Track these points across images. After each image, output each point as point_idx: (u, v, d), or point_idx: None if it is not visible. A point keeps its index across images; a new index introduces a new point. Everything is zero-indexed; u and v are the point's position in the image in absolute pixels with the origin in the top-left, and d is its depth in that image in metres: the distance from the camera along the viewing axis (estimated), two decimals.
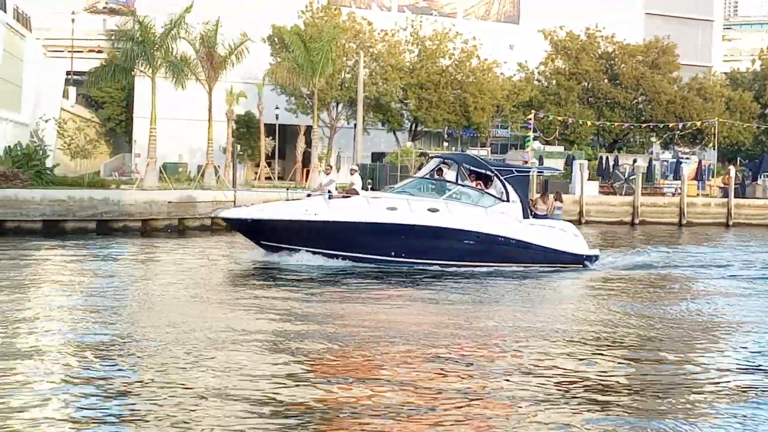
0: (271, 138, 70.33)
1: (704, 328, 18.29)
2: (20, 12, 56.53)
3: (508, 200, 28.56)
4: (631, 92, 77.62)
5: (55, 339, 15.54)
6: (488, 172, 29.28)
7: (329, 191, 29.99)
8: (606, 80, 78.69)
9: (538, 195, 32.32)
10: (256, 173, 68.50)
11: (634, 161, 64.80)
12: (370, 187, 57.22)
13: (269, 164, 71.44)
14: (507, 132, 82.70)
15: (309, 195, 30.90)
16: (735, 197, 59.87)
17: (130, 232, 38.43)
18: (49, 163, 50.75)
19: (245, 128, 74.60)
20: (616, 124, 75.87)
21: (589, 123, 74.28)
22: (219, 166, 60.88)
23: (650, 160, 68.04)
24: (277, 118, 70.05)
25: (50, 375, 12.90)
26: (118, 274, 25.32)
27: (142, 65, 54.30)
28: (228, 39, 57.23)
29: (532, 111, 69.77)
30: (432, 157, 36.32)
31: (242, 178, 63.99)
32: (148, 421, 10.80)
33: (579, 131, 74.98)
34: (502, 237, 28.23)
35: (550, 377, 13.39)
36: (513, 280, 26.00)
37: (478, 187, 29.02)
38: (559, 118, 72.29)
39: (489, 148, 75.16)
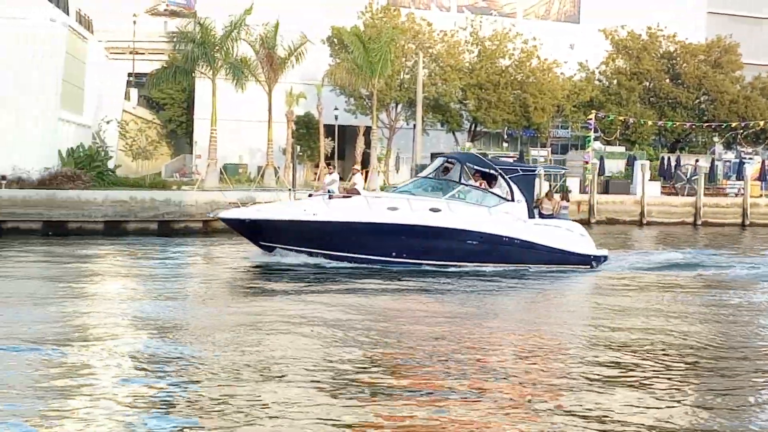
0: (330, 139, 70.35)
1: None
2: (82, 14, 57.13)
3: (512, 200, 28.18)
4: (693, 92, 76.57)
5: (123, 340, 15.60)
6: (493, 172, 28.81)
7: (329, 191, 29.81)
8: (668, 80, 77.70)
9: (544, 194, 31.50)
10: (316, 174, 68.57)
11: (697, 161, 63.87)
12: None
13: (328, 165, 71.38)
14: (567, 132, 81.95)
15: (310, 195, 30.64)
16: None
17: (191, 232, 38.66)
18: (111, 164, 51.31)
19: (305, 129, 74.74)
20: (677, 124, 74.89)
21: (650, 123, 73.38)
22: (279, 167, 61.10)
23: (712, 161, 67.02)
24: (336, 119, 70.09)
25: (121, 372, 12.95)
26: (180, 273, 25.42)
27: (202, 67, 54.69)
28: (287, 40, 57.43)
29: (593, 111, 69.02)
30: (436, 156, 35.98)
31: (302, 179, 64.09)
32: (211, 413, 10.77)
33: (640, 131, 74.12)
34: (506, 237, 27.82)
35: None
36: (514, 281, 25.62)
37: (482, 186, 28.61)
38: (620, 118, 71.46)
39: (549, 149, 74.52)
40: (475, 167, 29.11)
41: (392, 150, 72.21)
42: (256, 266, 27.41)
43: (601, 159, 62.16)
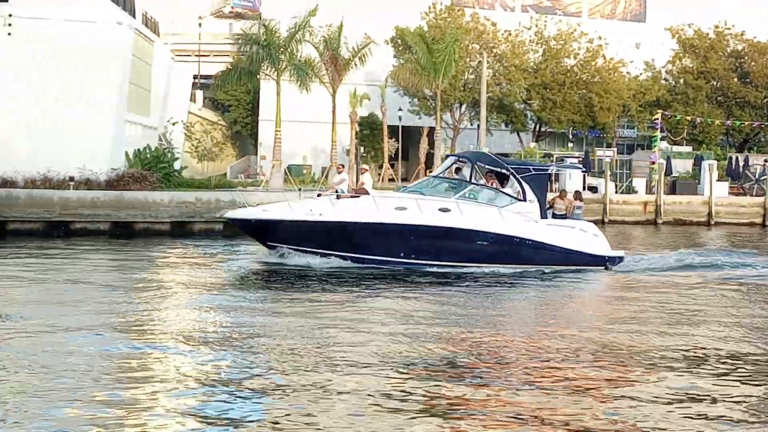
0: (394, 139, 70.40)
1: None
2: (149, 17, 57.70)
3: (524, 200, 27.58)
4: (762, 91, 75.32)
5: (188, 342, 15.68)
6: (504, 171, 28.28)
7: (337, 191, 29.52)
8: (736, 79, 76.54)
9: (556, 194, 30.79)
10: (380, 175, 68.63)
11: (765, 161, 62.80)
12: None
13: (392, 166, 71.52)
14: (633, 132, 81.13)
15: (319, 195, 30.24)
16: None
17: None
18: (177, 165, 51.72)
19: (368, 130, 74.84)
20: (746, 123, 73.74)
21: (717, 122, 72.37)
22: None
23: None
24: (400, 119, 70.09)
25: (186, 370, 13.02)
26: (246, 274, 25.52)
27: (267, 68, 54.94)
28: (351, 41, 57.52)
29: (659, 111, 68.20)
30: (447, 156, 35.47)
31: None
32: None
33: (708, 131, 73.16)
34: (517, 237, 27.24)
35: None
36: (520, 282, 25.22)
37: (493, 186, 28.17)
38: (687, 117, 70.54)
39: (615, 149, 73.82)
40: (487, 166, 28.63)
41: (456, 151, 71.98)
42: (291, 268, 26.78)
43: (668, 159, 61.38)
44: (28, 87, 43.62)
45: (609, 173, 56.97)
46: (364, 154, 72.44)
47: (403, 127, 71.51)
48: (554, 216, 28.44)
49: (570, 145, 78.90)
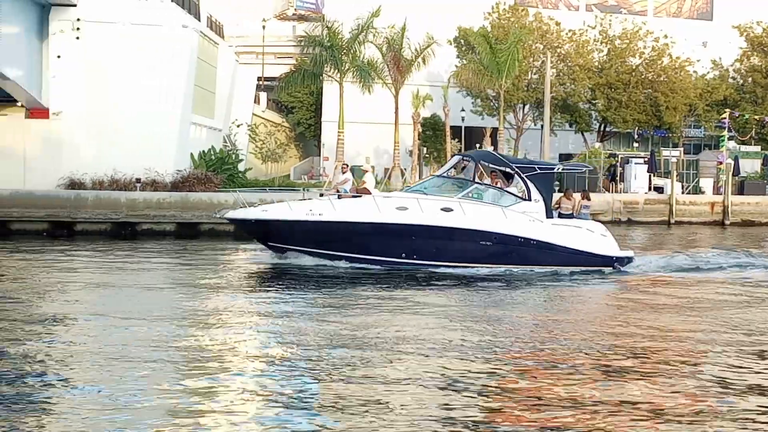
0: (456, 140, 70.21)
1: None
2: (213, 20, 58.14)
3: (529, 199, 27.19)
4: None
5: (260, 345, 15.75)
6: (509, 170, 27.90)
7: (338, 190, 29.25)
8: None
9: (562, 193, 30.19)
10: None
11: None
12: (557, 189, 56.72)
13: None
14: (700, 132, 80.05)
15: (321, 195, 29.97)
16: None
17: None
18: (241, 167, 52.08)
19: (431, 131, 74.73)
20: None
21: None
22: (405, 169, 61.20)
23: None
24: (462, 120, 69.88)
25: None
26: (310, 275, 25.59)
27: (330, 70, 55.11)
28: (414, 42, 57.48)
29: (727, 110, 67.19)
30: (453, 155, 34.99)
31: None
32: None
33: None
34: (521, 237, 26.86)
35: None
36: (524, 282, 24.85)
37: (498, 185, 27.81)
38: (756, 117, 69.39)
39: (681, 149, 72.84)
40: (491, 165, 28.35)
41: (519, 151, 71.60)
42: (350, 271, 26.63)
43: (736, 159, 60.39)
44: (96, 90, 44.20)
45: (675, 174, 56.25)
46: (427, 155, 72.35)
47: (465, 127, 71.29)
48: (560, 216, 28.02)
49: (635, 145, 77.98)
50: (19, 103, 44.02)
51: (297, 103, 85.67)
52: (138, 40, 44.33)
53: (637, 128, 73.92)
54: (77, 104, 44.07)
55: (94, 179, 41.87)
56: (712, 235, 47.00)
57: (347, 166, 32.96)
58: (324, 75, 57.36)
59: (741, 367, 14.22)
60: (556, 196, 29.57)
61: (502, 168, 28.21)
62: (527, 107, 71.22)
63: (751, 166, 63.31)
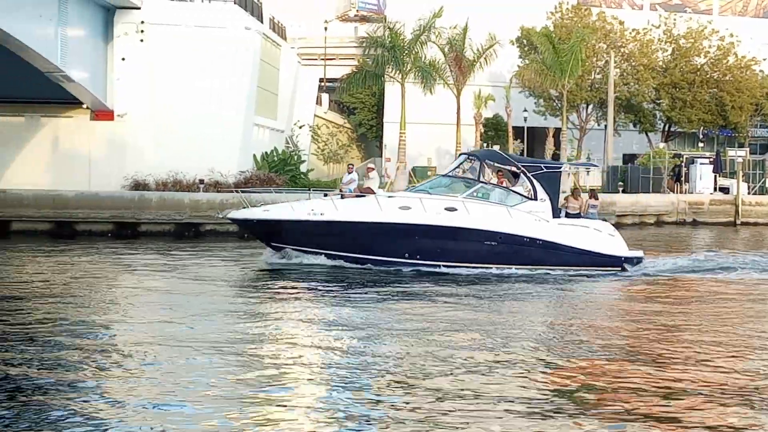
0: (519, 141, 69.80)
1: None
2: (276, 22, 58.43)
3: (535, 198, 26.81)
4: None
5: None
6: (514, 169, 27.55)
7: (342, 191, 29.01)
8: None
9: (569, 193, 29.67)
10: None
11: None
12: (621, 189, 56.26)
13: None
14: (767, 131, 78.80)
15: (326, 195, 29.76)
16: None
17: None
18: (303, 168, 52.29)
19: (493, 131, 74.32)
20: None
21: None
22: None
23: None
24: (525, 120, 69.44)
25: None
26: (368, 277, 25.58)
27: (392, 71, 55.08)
28: (476, 42, 57.24)
29: None
30: (460, 154, 34.61)
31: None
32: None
33: None
34: (527, 237, 26.50)
35: None
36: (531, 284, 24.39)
37: (503, 184, 27.46)
38: None
39: (747, 149, 71.78)
40: (496, 164, 28.07)
41: (583, 151, 71.03)
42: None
43: None
44: (159, 91, 44.63)
45: (741, 174, 55.43)
46: None
47: (528, 128, 70.84)
48: (567, 215, 27.64)
49: (700, 145, 76.96)
50: (84, 105, 44.60)
51: (359, 104, 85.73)
52: (201, 43, 44.71)
53: (702, 128, 72.92)
54: (141, 106, 44.55)
55: (158, 180, 42.29)
56: None
57: (352, 166, 33.11)
58: (386, 76, 57.35)
59: None
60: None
61: (508, 167, 28.06)
62: (590, 107, 70.56)
63: None
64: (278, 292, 22.17)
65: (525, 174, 27.34)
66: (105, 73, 44.55)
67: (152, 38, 44.44)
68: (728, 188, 56.77)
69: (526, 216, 26.73)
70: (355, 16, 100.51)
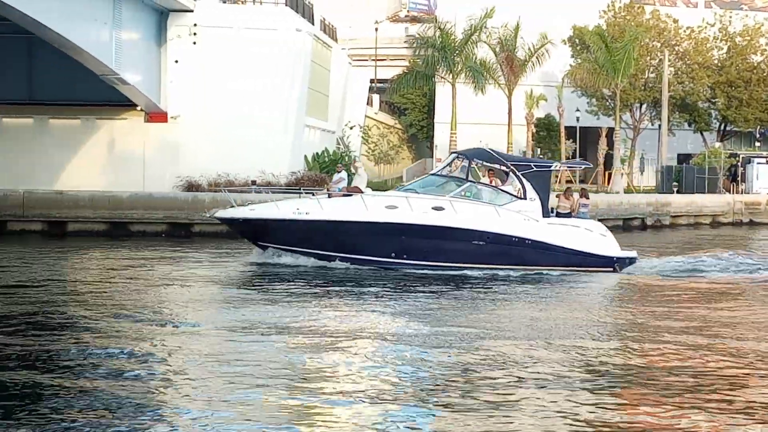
0: (571, 141, 69.32)
1: None
2: (327, 24, 58.60)
3: (525, 198, 26.41)
4: None
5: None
6: (504, 168, 27.21)
7: (328, 190, 28.76)
8: None
9: (561, 192, 29.10)
10: (557, 177, 67.67)
11: None
12: (675, 190, 55.66)
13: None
14: None
15: (313, 194, 29.36)
16: None
17: None
18: (354, 169, 52.25)
19: (545, 131, 73.90)
20: None
21: None
22: None
23: None
24: (577, 120, 68.94)
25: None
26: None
27: (442, 71, 54.99)
28: (527, 41, 56.96)
29: None
30: (451, 153, 34.26)
31: None
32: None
33: None
34: (516, 237, 26.10)
35: None
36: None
37: (492, 183, 27.10)
38: None
39: None
40: (485, 163, 27.75)
41: (636, 151, 70.43)
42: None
43: None
44: (212, 93, 44.93)
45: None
46: (541, 156, 71.59)
47: (580, 127, 70.34)
48: (558, 215, 27.26)
49: (757, 144, 75.99)
50: (138, 108, 45.05)
51: (409, 104, 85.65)
52: (252, 44, 44.96)
53: (759, 127, 72.01)
54: (194, 108, 44.89)
55: (210, 181, 42.53)
56: None
57: (341, 165, 32.96)
58: (436, 76, 57.25)
59: None
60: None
61: (497, 166, 27.80)
62: (644, 107, 69.93)
63: None
64: (266, 293, 22.07)
65: (514, 173, 27.11)
66: (158, 76, 44.97)
67: (204, 40, 44.79)
68: None
69: (515, 215, 26.48)
70: (406, 16, 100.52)
